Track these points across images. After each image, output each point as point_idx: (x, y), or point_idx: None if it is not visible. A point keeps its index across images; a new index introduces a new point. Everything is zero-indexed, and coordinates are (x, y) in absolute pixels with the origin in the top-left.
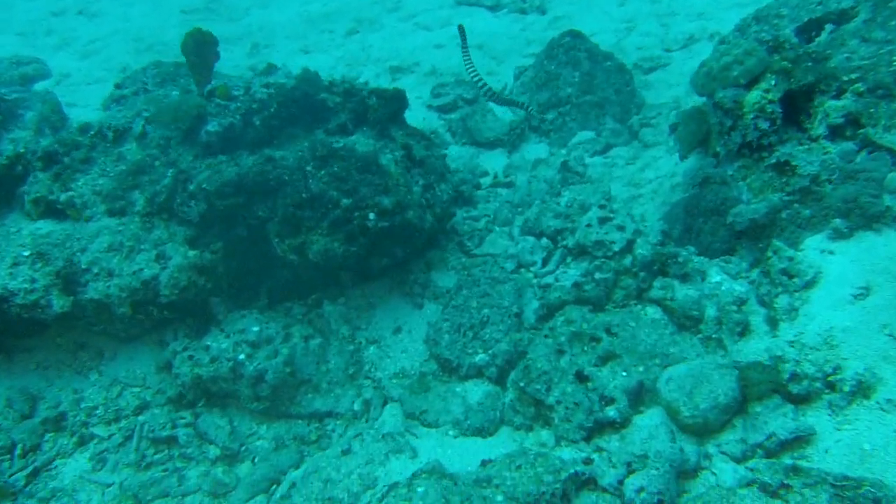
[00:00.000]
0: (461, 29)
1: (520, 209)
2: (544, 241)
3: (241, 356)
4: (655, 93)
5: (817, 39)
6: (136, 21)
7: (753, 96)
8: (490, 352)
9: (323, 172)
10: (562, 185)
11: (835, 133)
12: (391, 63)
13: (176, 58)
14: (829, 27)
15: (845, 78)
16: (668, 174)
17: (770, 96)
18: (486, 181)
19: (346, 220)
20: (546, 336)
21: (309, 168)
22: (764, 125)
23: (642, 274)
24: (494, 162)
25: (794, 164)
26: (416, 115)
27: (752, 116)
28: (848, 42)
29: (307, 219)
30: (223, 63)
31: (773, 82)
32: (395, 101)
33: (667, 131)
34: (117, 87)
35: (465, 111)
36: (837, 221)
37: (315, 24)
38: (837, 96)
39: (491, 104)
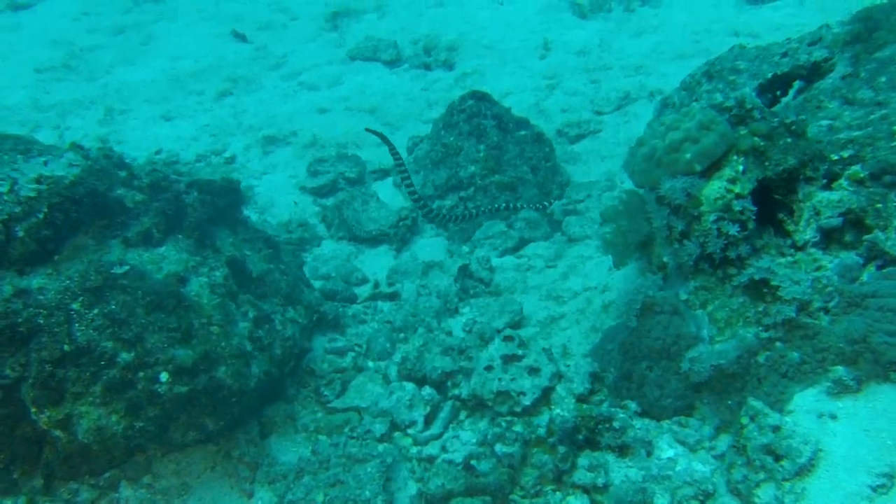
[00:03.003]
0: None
1: (402, 335)
2: (428, 390)
3: None
4: (584, 167)
5: (784, 100)
6: None
7: (715, 189)
8: None
9: (95, 312)
10: (460, 298)
11: (829, 238)
12: (265, 132)
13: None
14: (797, 84)
15: (835, 157)
16: (600, 286)
17: (738, 188)
18: (363, 291)
19: (127, 383)
20: None
21: (76, 306)
22: (731, 230)
23: (562, 448)
24: (377, 263)
25: (774, 284)
26: (287, 199)
27: (713, 218)
28: (826, 105)
29: (73, 381)
30: (73, 133)
31: (741, 168)
32: (225, 196)
33: (598, 220)
34: None
35: (343, 196)
36: (840, 370)
37: (182, 85)
38: (829, 184)
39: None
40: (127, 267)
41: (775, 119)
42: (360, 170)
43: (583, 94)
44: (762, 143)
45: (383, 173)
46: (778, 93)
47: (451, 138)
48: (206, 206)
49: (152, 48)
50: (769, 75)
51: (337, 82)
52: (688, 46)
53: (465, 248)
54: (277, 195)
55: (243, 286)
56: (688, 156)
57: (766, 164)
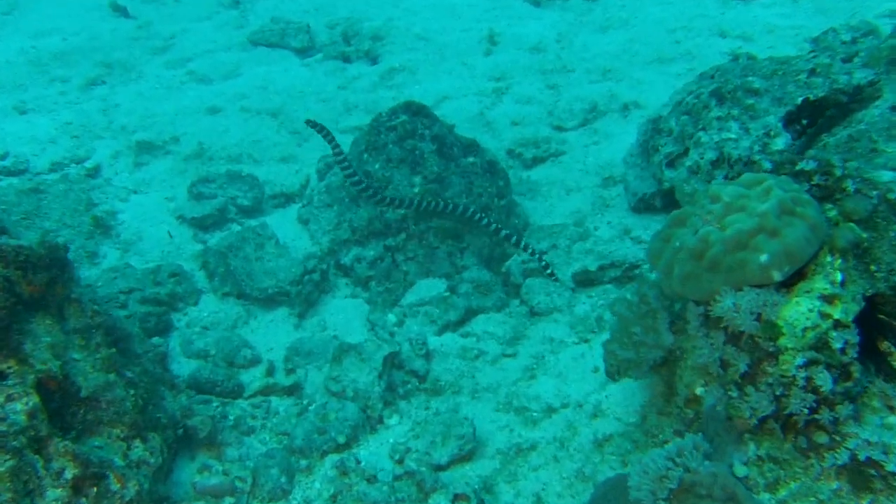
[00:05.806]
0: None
1: (305, 462)
2: None
3: None
4: (545, 204)
5: (824, 138)
6: None
7: (802, 312)
8: None
9: None
10: (386, 402)
11: None
12: (140, 136)
13: None
14: (829, 113)
15: None
16: (587, 403)
17: (838, 312)
18: (254, 376)
19: None
20: None
21: None
22: (826, 384)
23: None
24: (273, 333)
25: (888, 469)
26: (159, 232)
27: (801, 362)
28: (882, 148)
29: None
30: None
31: (839, 276)
32: (45, 269)
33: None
34: None
35: (232, 239)
36: None
37: (44, 68)
38: None
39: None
40: None
41: (874, 193)
42: (257, 194)
43: (539, 102)
44: (864, 237)
45: (286, 199)
46: (804, 122)
47: (377, 166)
48: (12, 289)
49: (14, 19)
50: (798, 100)
51: (234, 73)
52: (666, 48)
53: (392, 318)
54: (148, 225)
55: (63, 417)
56: (763, 258)
57: (875, 269)
